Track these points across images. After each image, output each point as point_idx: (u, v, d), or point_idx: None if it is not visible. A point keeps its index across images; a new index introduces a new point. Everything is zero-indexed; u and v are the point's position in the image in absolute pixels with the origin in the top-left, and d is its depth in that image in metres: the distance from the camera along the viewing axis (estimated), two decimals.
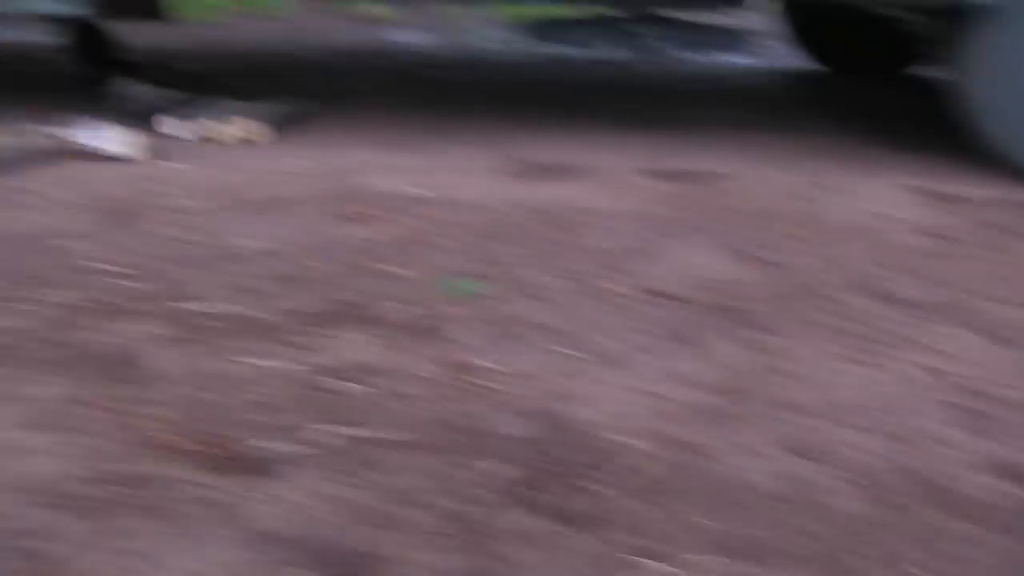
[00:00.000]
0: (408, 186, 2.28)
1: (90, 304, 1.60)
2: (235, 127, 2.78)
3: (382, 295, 1.64)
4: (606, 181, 2.25)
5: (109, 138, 2.58)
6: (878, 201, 2.08)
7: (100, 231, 2.03)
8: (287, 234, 1.96)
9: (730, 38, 3.60)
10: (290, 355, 1.42)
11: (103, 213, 2.15)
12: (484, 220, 2.02)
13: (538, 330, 1.49)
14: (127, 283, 1.69)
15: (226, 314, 1.56)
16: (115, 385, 1.32)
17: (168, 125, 2.85)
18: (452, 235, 1.94)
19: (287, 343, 1.46)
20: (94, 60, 3.51)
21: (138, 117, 2.92)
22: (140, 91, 3.05)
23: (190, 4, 5.01)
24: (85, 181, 2.39)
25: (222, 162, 2.56)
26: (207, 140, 2.80)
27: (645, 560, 0.99)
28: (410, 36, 4.35)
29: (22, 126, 2.62)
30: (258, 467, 1.13)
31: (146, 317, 1.56)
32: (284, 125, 2.89)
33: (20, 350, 1.42)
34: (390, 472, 1.12)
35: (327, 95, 3.21)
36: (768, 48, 3.70)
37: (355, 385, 1.33)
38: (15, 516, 1.07)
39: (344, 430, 1.21)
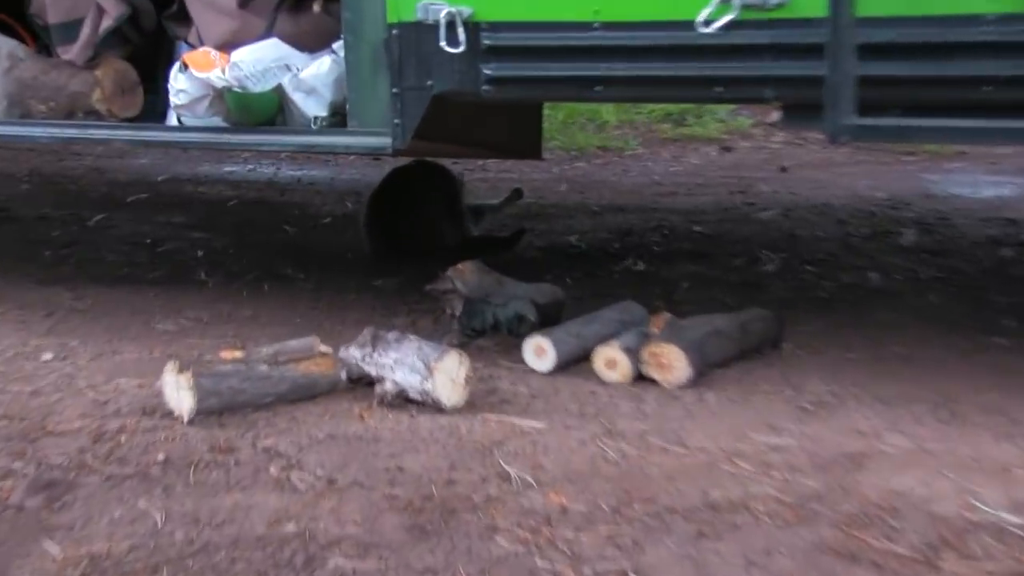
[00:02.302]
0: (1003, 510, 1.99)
1: None
2: (635, 358, 2.65)
3: None
4: None
5: (432, 372, 2.41)
6: None
7: (402, 545, 1.89)
8: None
9: None
10: None
11: (405, 510, 2.01)
12: None
13: None
14: None
15: None
16: None
17: (531, 348, 2.76)
18: None
19: None
20: (425, 228, 3.92)
21: (481, 329, 2.93)
22: (493, 286, 2.99)
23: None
24: (387, 444, 2.28)
25: (620, 423, 2.40)
26: (597, 377, 2.69)
27: None
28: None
29: (298, 344, 2.53)
30: None
31: None
32: (719, 348, 2.79)
33: None
34: None
35: (784, 288, 3.44)
36: None
37: None
38: None
39: None
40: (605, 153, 6.76)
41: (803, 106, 2.37)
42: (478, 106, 2.72)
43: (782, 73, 2.35)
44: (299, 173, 6.27)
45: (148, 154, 6.61)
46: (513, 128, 3.48)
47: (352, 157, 6.44)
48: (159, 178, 5.91)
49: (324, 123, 2.93)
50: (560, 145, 6.78)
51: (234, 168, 6.42)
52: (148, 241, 4.27)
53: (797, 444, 2.28)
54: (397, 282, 3.62)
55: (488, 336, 2.90)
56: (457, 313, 2.91)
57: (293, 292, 3.51)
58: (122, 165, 6.32)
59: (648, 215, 4.83)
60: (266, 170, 6.37)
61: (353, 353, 2.47)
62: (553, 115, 6.96)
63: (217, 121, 3.10)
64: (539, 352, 2.69)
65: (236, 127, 3.08)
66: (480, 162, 6.19)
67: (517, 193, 4.49)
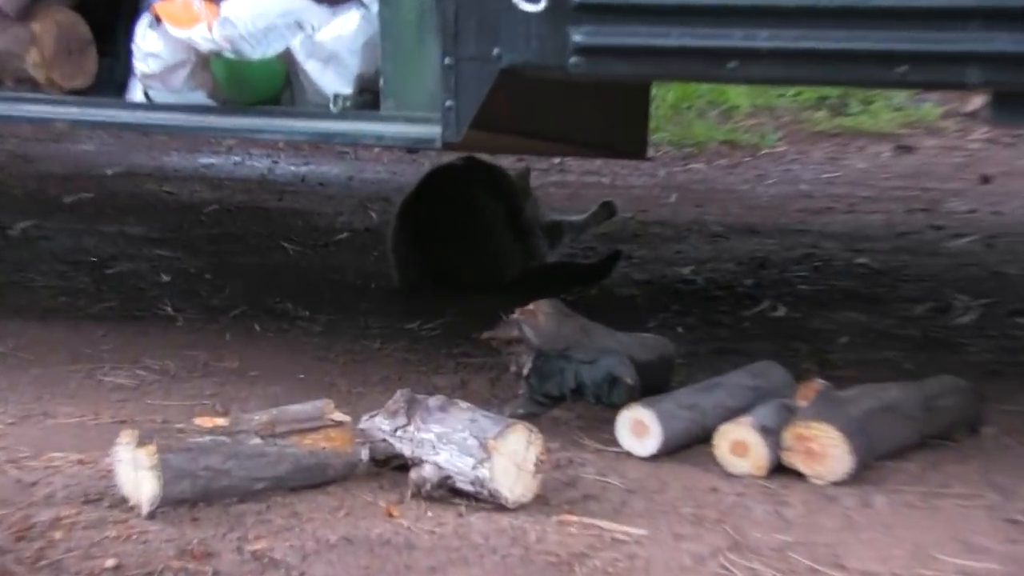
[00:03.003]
0: None
1: None
2: (774, 442, 2.69)
3: None
4: None
5: (489, 453, 2.45)
6: None
7: None
8: None
9: None
10: None
11: None
12: None
13: None
14: None
15: None
16: None
17: (628, 423, 2.79)
18: None
19: None
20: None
21: (558, 395, 2.98)
22: (576, 335, 3.02)
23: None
24: (425, 553, 2.31)
25: (753, 534, 2.42)
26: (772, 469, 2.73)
27: None
28: None
29: (303, 409, 2.58)
30: None
31: None
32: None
33: None
34: None
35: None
36: None
37: None
38: None
39: None
40: (732, 151, 6.79)
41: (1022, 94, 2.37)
42: (563, 86, 2.75)
43: (994, 48, 2.35)
44: (304, 169, 6.38)
45: (94, 138, 6.75)
46: (609, 117, 3.52)
47: (379, 150, 6.53)
48: (109, 171, 6.04)
49: (348, 104, 2.98)
50: (670, 139, 6.82)
51: (213, 160, 6.52)
52: (93, 260, 4.36)
53: (1003, 570, 2.29)
54: (440, 326, 3.67)
55: (568, 405, 2.93)
56: (525, 372, 2.94)
57: (295, 336, 3.57)
58: (58, 152, 6.47)
59: (792, 240, 4.84)
60: (258, 163, 6.47)
61: (380, 424, 2.50)
62: (661, 97, 7.01)
63: (200, 98, 3.15)
64: (639, 430, 2.71)
65: (226, 106, 3.13)
66: (556, 161, 6.24)
67: (607, 208, 4.54)
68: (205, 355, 3.36)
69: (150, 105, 3.20)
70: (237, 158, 6.51)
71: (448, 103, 2.73)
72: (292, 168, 6.36)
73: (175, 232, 4.82)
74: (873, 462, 2.66)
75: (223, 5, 3.08)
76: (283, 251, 4.61)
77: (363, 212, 5.29)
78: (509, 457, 2.41)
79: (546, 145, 3.81)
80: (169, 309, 3.79)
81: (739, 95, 7.28)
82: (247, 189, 5.81)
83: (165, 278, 4.15)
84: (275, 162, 6.51)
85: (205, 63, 3.13)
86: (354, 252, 4.62)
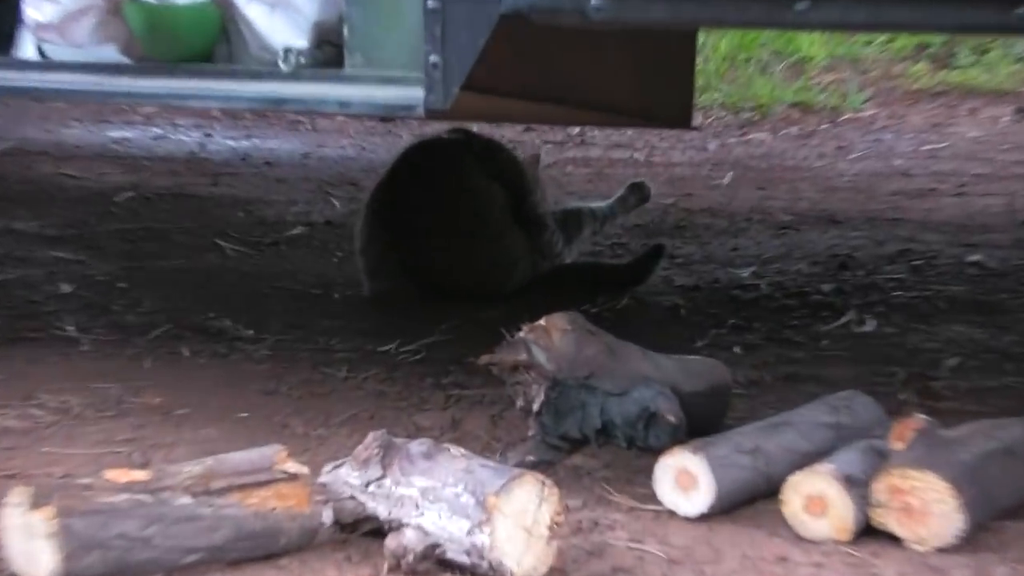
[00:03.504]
0: None
1: None
2: (860, 496, 2.73)
3: None
4: None
5: (490, 513, 2.47)
6: None
7: None
8: None
9: None
10: None
11: None
12: None
13: None
14: None
15: None
16: None
17: (671, 473, 2.84)
18: None
19: None
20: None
21: (579, 437, 3.01)
22: (601, 358, 3.06)
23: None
24: None
25: None
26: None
27: None
28: None
29: (247, 458, 2.60)
30: None
31: None
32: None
33: None
34: None
35: None
36: None
37: None
38: None
39: None
40: (805, 116, 6.81)
41: None
42: (582, 35, 2.76)
43: None
44: (245, 144, 6.40)
45: None
46: (642, 75, 3.53)
47: (344, 119, 6.55)
48: None
49: (302, 60, 3.00)
50: (723, 101, 6.82)
51: (127, 133, 6.54)
52: None
53: None
54: (424, 348, 3.70)
55: (592, 450, 2.95)
56: (536, 407, 2.96)
57: (235, 363, 3.59)
58: None
59: (884, 232, 4.86)
60: (186, 137, 6.49)
61: (347, 477, 2.52)
62: (711, 46, 7.03)
63: (110, 54, 3.17)
64: (685, 482, 2.73)
65: (143, 65, 3.15)
66: (574, 131, 6.24)
67: (639, 191, 4.54)
68: (118, 389, 3.38)
69: (45, 63, 3.22)
70: (158, 131, 6.54)
71: (433, 58, 2.75)
72: (230, 143, 6.39)
73: (78, 228, 4.84)
74: (991, 522, 2.68)
75: None
76: (219, 252, 4.63)
77: (323, 200, 5.31)
78: (515, 518, 2.42)
79: (561, 112, 3.80)
80: (71, 329, 3.81)
81: (813, 43, 7.31)
82: (172, 171, 5.84)
83: (66, 288, 4.17)
84: (208, 135, 6.54)
85: (116, 8, 3.14)
86: (312, 253, 4.64)
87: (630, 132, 5.92)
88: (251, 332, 3.80)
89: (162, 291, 4.15)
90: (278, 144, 6.44)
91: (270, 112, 6.45)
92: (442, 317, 3.82)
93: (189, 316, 3.91)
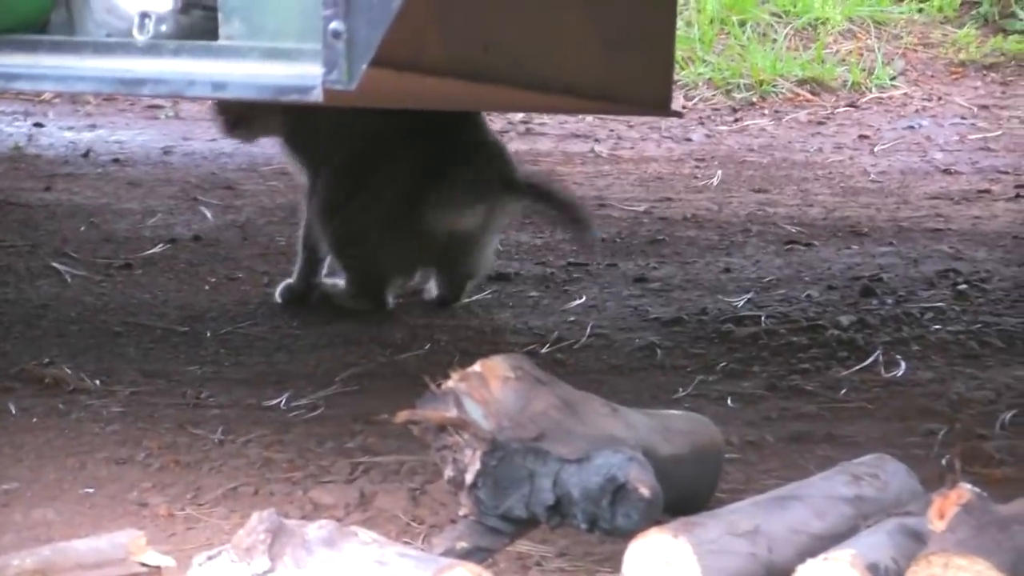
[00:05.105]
0: None
1: None
2: None
3: None
4: None
5: None
6: None
7: None
8: None
9: None
10: None
11: None
12: None
13: None
14: None
15: None
16: None
17: (647, 562, 2.87)
18: None
19: None
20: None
21: (524, 516, 3.04)
22: (554, 413, 3.13)
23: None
24: None
25: None
26: None
27: None
28: None
29: (94, 546, 2.67)
30: None
31: None
32: None
33: None
34: None
35: None
36: None
37: None
38: None
39: None
40: (816, 96, 6.85)
41: None
42: None
43: None
44: (88, 136, 6.41)
45: None
46: (605, 45, 3.57)
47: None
48: None
49: (163, 29, 3.03)
50: (712, 77, 6.85)
51: None
52: None
53: None
54: (324, 400, 3.73)
55: (543, 533, 3.00)
56: (470, 478, 3.00)
57: (78, 422, 3.60)
58: None
59: (920, 247, 4.92)
60: (10, 128, 6.49)
61: (224, 571, 2.56)
62: (696, 6, 7.07)
63: None
64: (664, 574, 2.79)
65: None
66: (518, 118, 6.27)
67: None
68: None
69: None
70: None
71: (334, 25, 2.78)
72: (68, 136, 6.42)
73: None
74: None
75: None
76: (56, 277, 4.66)
77: (190, 209, 5.34)
78: None
79: (503, 94, 3.84)
80: None
81: (828, 1, 7.37)
82: None
83: None
84: (39, 126, 6.57)
85: None
86: (176, 278, 4.67)
87: (590, 118, 5.97)
88: (98, 382, 3.83)
89: None
90: (130, 136, 6.47)
91: (120, 96, 6.46)
92: (345, 361, 3.84)
93: (17, 362, 3.93)
